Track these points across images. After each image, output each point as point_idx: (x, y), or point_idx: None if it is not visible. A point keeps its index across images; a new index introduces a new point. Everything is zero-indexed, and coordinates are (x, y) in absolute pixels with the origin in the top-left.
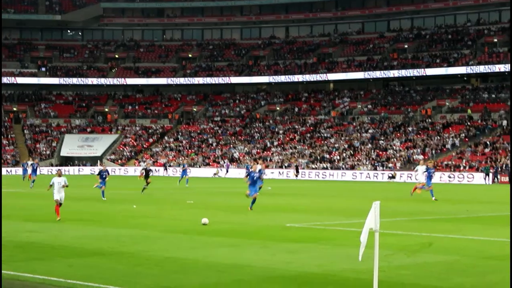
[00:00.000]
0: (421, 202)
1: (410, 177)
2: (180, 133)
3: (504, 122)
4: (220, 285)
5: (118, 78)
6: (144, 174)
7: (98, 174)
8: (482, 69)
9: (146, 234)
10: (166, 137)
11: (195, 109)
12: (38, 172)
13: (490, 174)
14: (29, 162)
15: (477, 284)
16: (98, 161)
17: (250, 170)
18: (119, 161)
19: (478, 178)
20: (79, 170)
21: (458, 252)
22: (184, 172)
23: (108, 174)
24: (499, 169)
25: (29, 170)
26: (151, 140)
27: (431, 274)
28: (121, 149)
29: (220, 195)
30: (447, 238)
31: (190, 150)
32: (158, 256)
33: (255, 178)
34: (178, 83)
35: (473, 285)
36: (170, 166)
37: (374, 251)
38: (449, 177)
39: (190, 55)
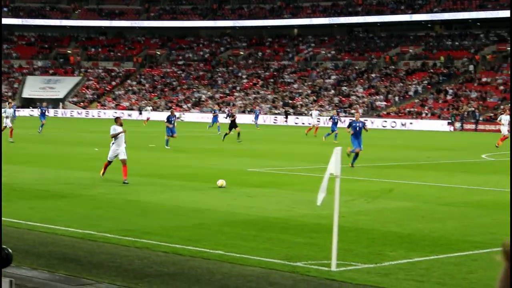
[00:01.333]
0: (383, 148)
1: (373, 123)
2: (143, 77)
3: (471, 67)
4: (181, 229)
5: (81, 20)
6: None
7: (167, 121)
8: (446, 16)
9: (107, 177)
10: (129, 80)
11: (158, 53)
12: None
13: (454, 122)
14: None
15: (435, 230)
16: (172, 108)
17: (352, 119)
18: (81, 103)
19: (441, 125)
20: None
21: (418, 199)
22: (215, 118)
23: (176, 118)
24: (464, 116)
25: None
26: (113, 83)
27: (390, 220)
28: (83, 91)
29: (182, 139)
30: (407, 185)
31: (153, 94)
32: (119, 199)
33: (357, 128)
34: (142, 26)
35: (431, 231)
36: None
37: (334, 196)
38: (411, 123)
39: None
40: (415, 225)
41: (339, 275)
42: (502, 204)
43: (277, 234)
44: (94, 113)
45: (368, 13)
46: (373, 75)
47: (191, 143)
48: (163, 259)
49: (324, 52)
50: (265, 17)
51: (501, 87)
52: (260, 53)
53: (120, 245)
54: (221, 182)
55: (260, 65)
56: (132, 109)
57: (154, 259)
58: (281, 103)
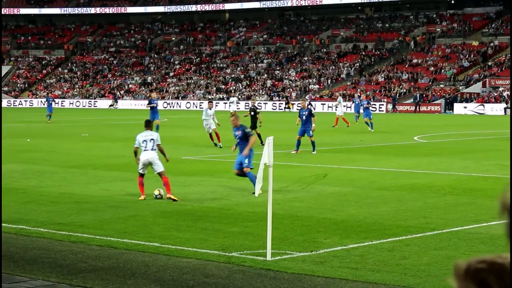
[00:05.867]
0: (316, 132)
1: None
2: (74, 64)
3: (412, 44)
4: (116, 221)
5: (10, 8)
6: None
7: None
8: None
9: (39, 169)
10: (60, 68)
11: (89, 40)
12: None
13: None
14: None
15: (369, 215)
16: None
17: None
18: (12, 93)
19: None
20: None
21: (352, 183)
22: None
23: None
24: (397, 97)
25: None
26: (44, 71)
27: (325, 206)
28: (14, 80)
29: (115, 128)
30: (341, 169)
31: (84, 82)
32: (52, 192)
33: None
34: (72, 13)
35: (366, 216)
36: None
37: (268, 185)
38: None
39: None
40: (349, 210)
41: (275, 265)
42: (434, 187)
43: (212, 223)
44: (25, 102)
45: None
46: (305, 58)
47: (123, 132)
48: (98, 253)
49: (255, 36)
50: (196, 2)
51: (431, 68)
52: (192, 39)
53: (54, 239)
54: (157, 191)
55: (192, 50)
56: (64, 98)
57: (89, 253)
58: (214, 88)
